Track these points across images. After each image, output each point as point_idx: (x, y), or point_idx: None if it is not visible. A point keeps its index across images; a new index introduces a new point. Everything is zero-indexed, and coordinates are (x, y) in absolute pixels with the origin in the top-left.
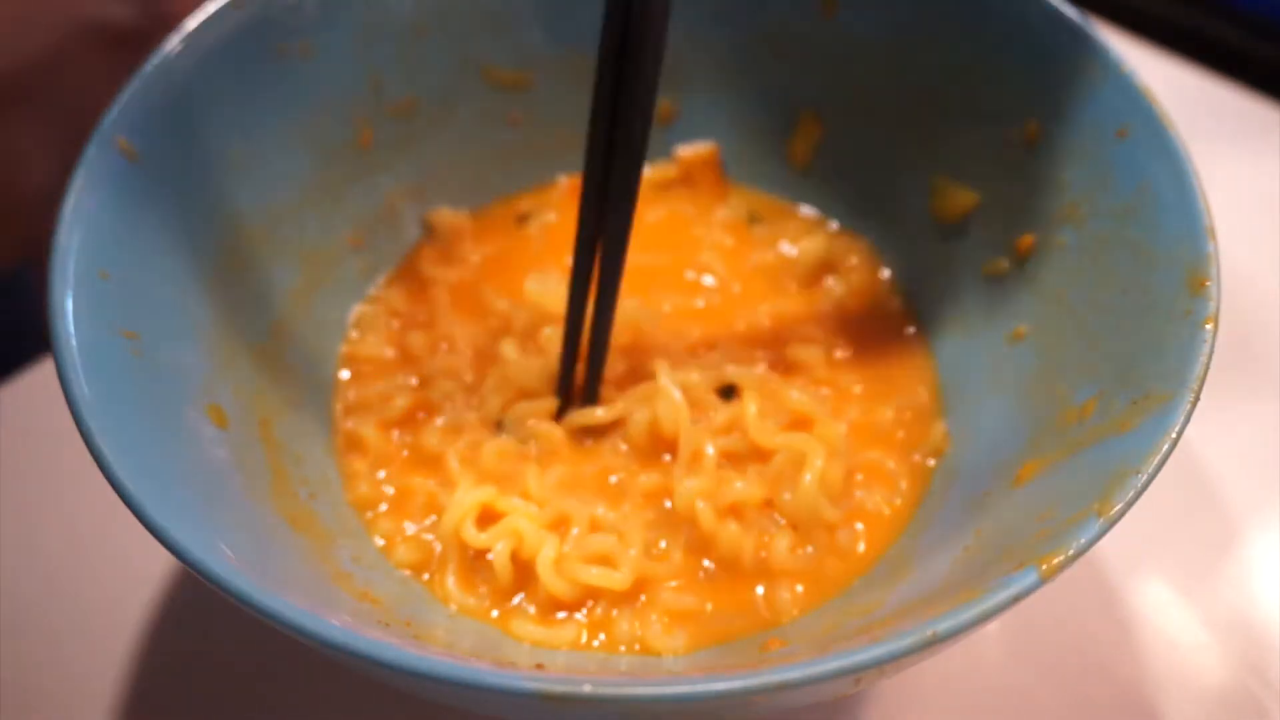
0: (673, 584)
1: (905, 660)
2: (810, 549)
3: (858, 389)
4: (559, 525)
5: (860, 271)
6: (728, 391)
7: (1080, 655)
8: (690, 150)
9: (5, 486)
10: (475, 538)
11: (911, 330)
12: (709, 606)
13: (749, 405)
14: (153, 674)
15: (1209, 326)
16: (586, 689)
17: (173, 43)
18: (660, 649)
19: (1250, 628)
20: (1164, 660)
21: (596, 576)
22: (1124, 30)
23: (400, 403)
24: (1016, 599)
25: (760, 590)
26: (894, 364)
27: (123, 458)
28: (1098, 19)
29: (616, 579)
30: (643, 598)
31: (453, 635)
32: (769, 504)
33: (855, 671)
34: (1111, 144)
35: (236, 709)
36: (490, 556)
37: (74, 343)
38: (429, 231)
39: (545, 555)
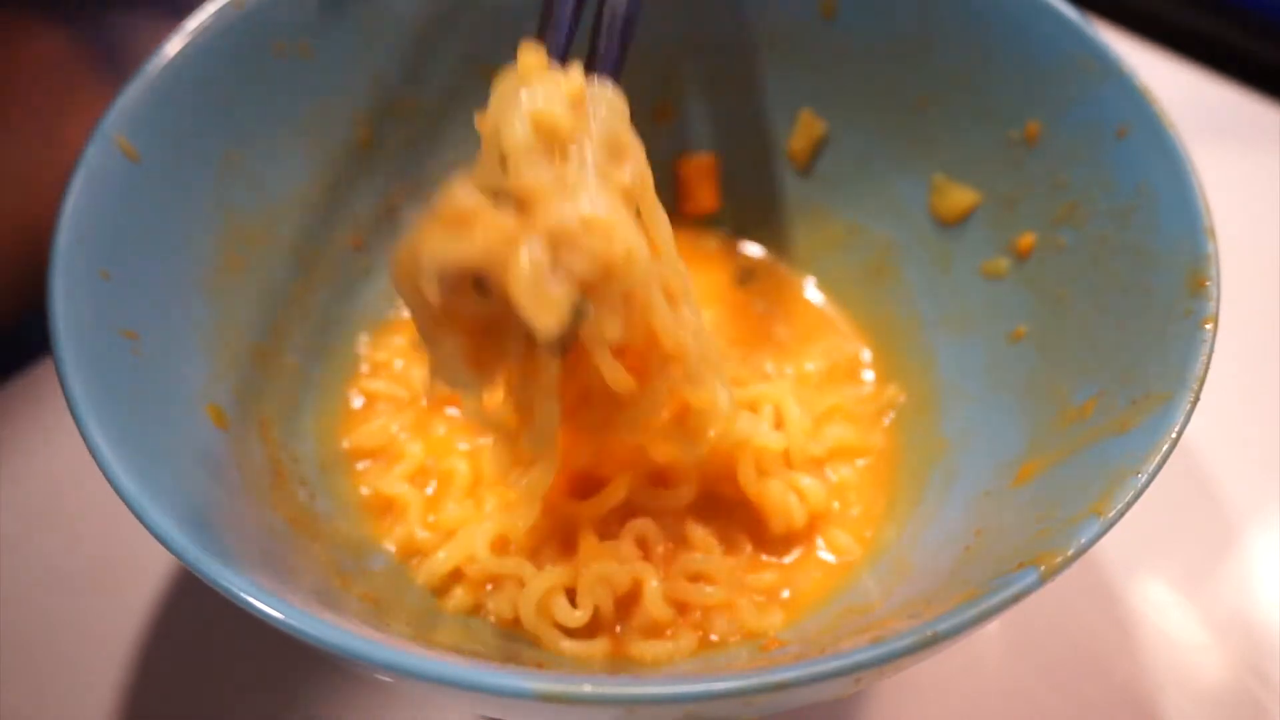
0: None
1: (905, 660)
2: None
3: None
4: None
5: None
6: None
7: (1080, 655)
8: (688, 160)
9: (5, 486)
10: (569, 614)
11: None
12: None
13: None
14: (153, 674)
15: (1209, 326)
16: (586, 689)
17: (173, 43)
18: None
19: (1250, 628)
20: (1164, 660)
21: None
22: (1124, 30)
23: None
24: (1016, 599)
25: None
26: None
27: (123, 458)
28: (1098, 19)
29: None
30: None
31: (456, 636)
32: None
33: (855, 671)
34: (1111, 144)
35: (236, 709)
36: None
37: (74, 343)
38: None
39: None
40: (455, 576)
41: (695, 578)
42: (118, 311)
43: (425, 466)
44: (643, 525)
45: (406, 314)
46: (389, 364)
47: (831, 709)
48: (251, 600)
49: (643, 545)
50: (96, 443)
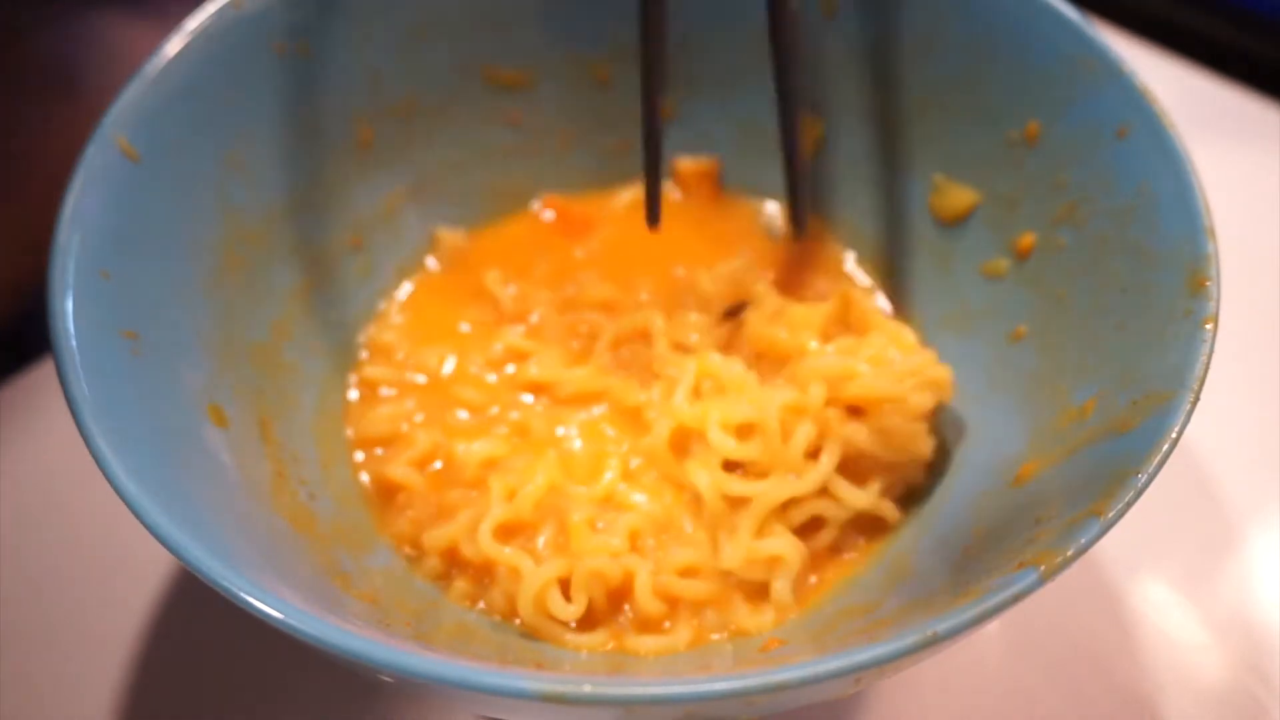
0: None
1: (905, 660)
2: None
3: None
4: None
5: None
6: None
7: (1080, 655)
8: (691, 162)
9: (5, 486)
10: (563, 608)
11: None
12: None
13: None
14: (153, 674)
15: (1209, 326)
16: (586, 689)
17: (173, 42)
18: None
19: (1250, 628)
20: (1164, 660)
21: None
22: (1124, 30)
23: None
24: (1016, 599)
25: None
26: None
27: (123, 458)
28: (1098, 19)
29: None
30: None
31: (458, 635)
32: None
33: (855, 671)
34: (1111, 144)
35: (236, 709)
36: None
37: (74, 343)
38: (434, 247)
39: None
40: (454, 563)
41: (685, 572)
42: (118, 311)
43: (431, 453)
44: (633, 518)
45: (402, 294)
46: (390, 350)
47: (831, 709)
48: (251, 600)
49: (633, 538)
50: (96, 443)
